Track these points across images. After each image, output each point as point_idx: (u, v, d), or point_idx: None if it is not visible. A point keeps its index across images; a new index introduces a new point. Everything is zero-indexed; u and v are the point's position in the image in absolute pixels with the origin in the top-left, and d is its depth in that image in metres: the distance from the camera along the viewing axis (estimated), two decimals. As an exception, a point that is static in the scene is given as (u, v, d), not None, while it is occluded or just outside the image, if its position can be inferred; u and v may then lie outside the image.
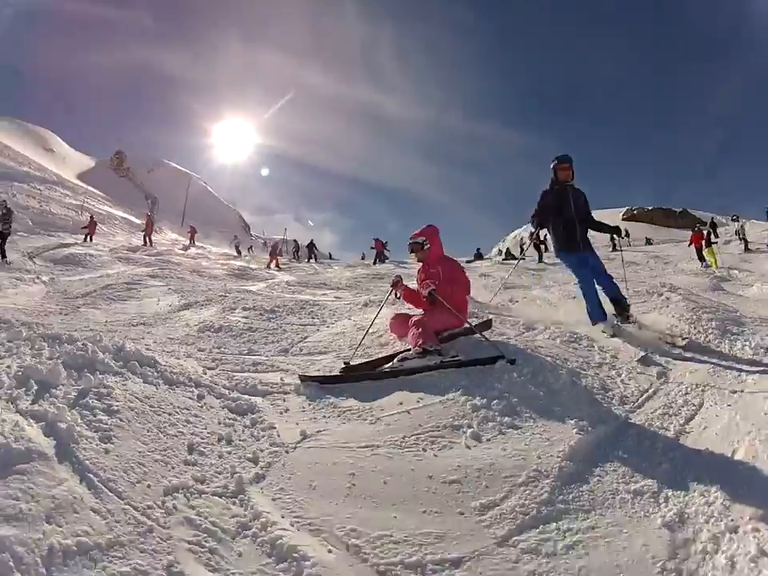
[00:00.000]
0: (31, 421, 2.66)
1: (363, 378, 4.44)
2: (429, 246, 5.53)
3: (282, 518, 2.50)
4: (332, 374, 4.65)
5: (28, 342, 3.82)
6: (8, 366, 3.28)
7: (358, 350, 5.17)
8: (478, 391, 3.83)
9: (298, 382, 4.28)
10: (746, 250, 26.02)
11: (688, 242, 24.69)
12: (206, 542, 2.25)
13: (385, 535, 2.40)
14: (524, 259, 27.43)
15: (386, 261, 28.52)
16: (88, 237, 23.58)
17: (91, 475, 2.42)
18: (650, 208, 54.99)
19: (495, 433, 3.35)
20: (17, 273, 12.01)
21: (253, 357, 5.36)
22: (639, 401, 4.16)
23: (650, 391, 4.37)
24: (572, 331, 6.05)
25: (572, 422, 3.46)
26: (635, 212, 54.63)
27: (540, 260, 24.16)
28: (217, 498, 2.57)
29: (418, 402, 3.76)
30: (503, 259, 30.38)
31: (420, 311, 5.48)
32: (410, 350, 4.81)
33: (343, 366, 4.80)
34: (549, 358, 4.76)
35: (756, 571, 2.20)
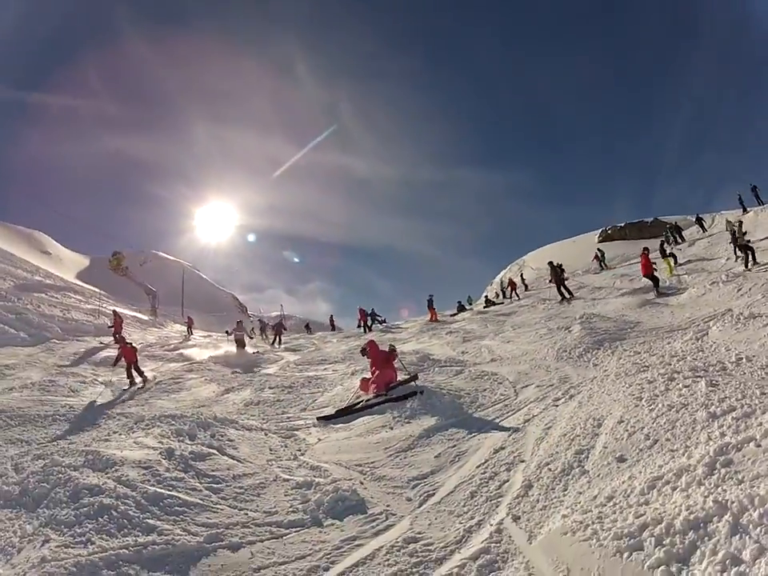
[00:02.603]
0: (201, 446, 6.29)
1: (346, 413, 8.57)
2: (369, 349, 10.02)
3: (314, 460, 6.43)
4: (330, 413, 8.75)
5: (162, 418, 7.51)
6: (165, 430, 7.00)
7: (343, 403, 9.36)
8: (397, 410, 8.06)
9: (316, 421, 8.45)
10: (747, 265, 16.80)
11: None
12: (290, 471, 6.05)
13: (352, 459, 6.42)
14: (503, 303, 29.38)
15: (382, 323, 30.40)
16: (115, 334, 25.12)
17: (235, 458, 6.18)
18: (621, 225, 54.96)
19: (400, 426, 7.51)
20: (75, 377, 12.82)
21: (285, 415, 9.33)
22: (491, 405, 8.24)
23: (501, 400, 8.48)
24: (483, 370, 10.17)
25: (434, 418, 7.59)
26: (609, 231, 55.28)
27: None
28: (290, 461, 6.45)
29: (370, 419, 8.02)
30: (484, 306, 30.93)
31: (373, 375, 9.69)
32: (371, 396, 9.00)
33: (335, 410, 8.95)
34: (446, 390, 9.00)
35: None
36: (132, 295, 45.99)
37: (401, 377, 9.66)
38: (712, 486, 3.67)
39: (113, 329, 21.15)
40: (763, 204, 33.71)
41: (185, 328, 32.30)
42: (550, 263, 23.77)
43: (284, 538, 4.77)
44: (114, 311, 24.42)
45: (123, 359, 13.50)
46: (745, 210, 34.91)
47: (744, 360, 7.01)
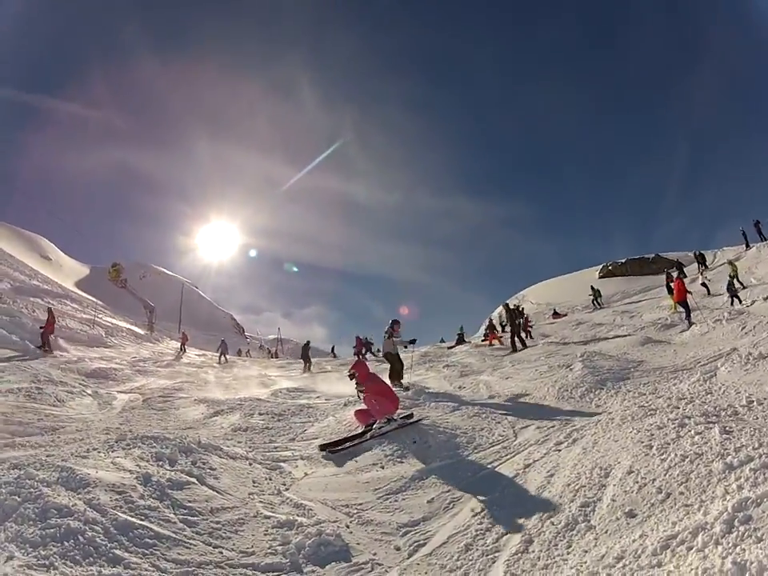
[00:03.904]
0: (180, 473, 5.94)
1: (352, 442, 8.20)
2: (358, 374, 9.24)
3: (298, 496, 6.05)
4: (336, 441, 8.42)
5: (144, 439, 7.11)
6: (145, 452, 6.61)
7: (334, 435, 8.96)
8: (389, 448, 7.82)
9: (303, 453, 7.95)
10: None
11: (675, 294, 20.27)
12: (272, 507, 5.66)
13: (339, 499, 6.05)
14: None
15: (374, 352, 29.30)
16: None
17: (215, 488, 5.84)
18: (622, 261, 55.00)
19: (392, 465, 7.19)
20: (64, 386, 12.69)
21: (273, 444, 8.77)
22: (489, 446, 7.86)
23: (500, 441, 8.07)
24: (481, 407, 9.77)
25: (428, 459, 7.41)
26: (610, 267, 55.30)
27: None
28: (273, 496, 6.05)
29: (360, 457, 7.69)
30: (482, 340, 29.39)
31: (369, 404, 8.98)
32: (373, 423, 8.62)
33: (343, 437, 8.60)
34: (441, 428, 8.62)
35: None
36: (129, 308, 46.29)
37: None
38: (730, 545, 3.44)
39: (43, 329, 19.85)
40: (766, 239, 33.90)
41: (179, 344, 32.33)
42: (506, 305, 23.35)
43: (259, 583, 4.43)
44: (49, 309, 22.89)
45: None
46: (748, 246, 35.29)
47: (755, 403, 6.71)
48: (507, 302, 21.91)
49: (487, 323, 28.87)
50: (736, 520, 3.66)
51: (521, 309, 22.94)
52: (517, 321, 21.59)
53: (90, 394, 12.62)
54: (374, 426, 8.52)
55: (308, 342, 27.06)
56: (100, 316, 33.77)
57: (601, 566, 3.94)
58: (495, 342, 24.26)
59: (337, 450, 7.87)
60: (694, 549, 3.58)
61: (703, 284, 25.03)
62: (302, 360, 26.32)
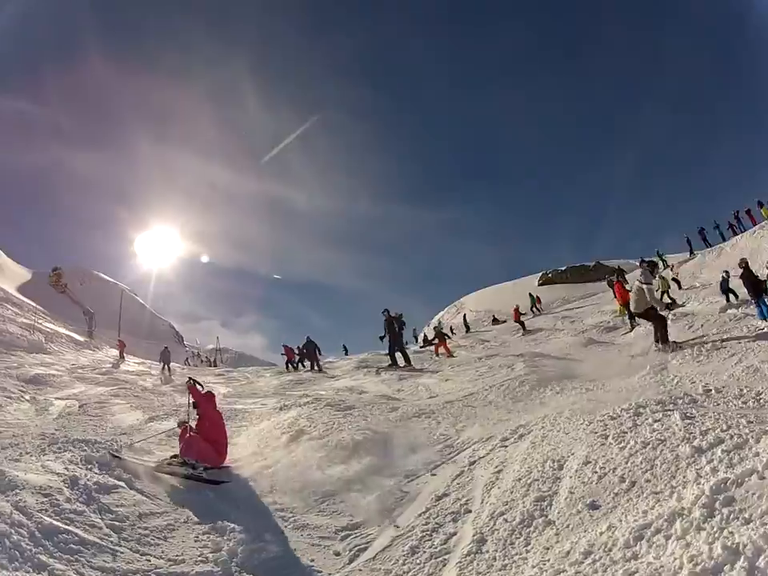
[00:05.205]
0: (108, 476, 5.94)
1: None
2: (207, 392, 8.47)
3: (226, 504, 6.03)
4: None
5: (76, 443, 7.23)
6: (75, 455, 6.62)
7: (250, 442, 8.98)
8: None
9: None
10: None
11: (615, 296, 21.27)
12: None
13: (272, 503, 6.34)
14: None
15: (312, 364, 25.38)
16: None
17: (144, 492, 5.89)
18: (562, 269, 55.96)
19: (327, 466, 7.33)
20: (3, 392, 12.53)
21: None
22: (430, 445, 7.96)
23: (441, 440, 8.13)
24: (421, 409, 10.25)
25: (367, 458, 7.33)
26: (550, 275, 55.83)
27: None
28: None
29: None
30: (421, 346, 30.48)
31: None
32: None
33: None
34: (380, 430, 8.61)
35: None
36: (69, 314, 44.81)
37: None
38: (715, 529, 3.27)
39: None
40: (710, 246, 35.43)
41: (117, 352, 31.78)
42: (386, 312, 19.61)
43: (189, 593, 4.33)
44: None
45: None
46: (692, 253, 36.84)
47: (713, 391, 6.72)
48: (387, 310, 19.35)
49: (433, 330, 28.15)
50: (717, 503, 3.51)
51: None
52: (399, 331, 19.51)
53: (27, 400, 12.43)
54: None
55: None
56: (40, 321, 32.76)
57: (567, 563, 3.71)
58: (442, 350, 21.63)
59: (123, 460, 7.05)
60: (672, 537, 3.42)
61: (674, 279, 25.64)
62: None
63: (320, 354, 24.96)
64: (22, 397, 12.65)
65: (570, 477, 5.05)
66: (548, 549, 4.11)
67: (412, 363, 18.07)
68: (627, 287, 18.05)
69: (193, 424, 7.78)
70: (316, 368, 23.36)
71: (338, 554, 5.02)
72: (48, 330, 31.68)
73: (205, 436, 7.41)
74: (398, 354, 18.23)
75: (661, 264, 36.66)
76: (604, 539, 3.74)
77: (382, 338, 19.22)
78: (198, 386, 8.38)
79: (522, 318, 28.08)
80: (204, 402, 7.89)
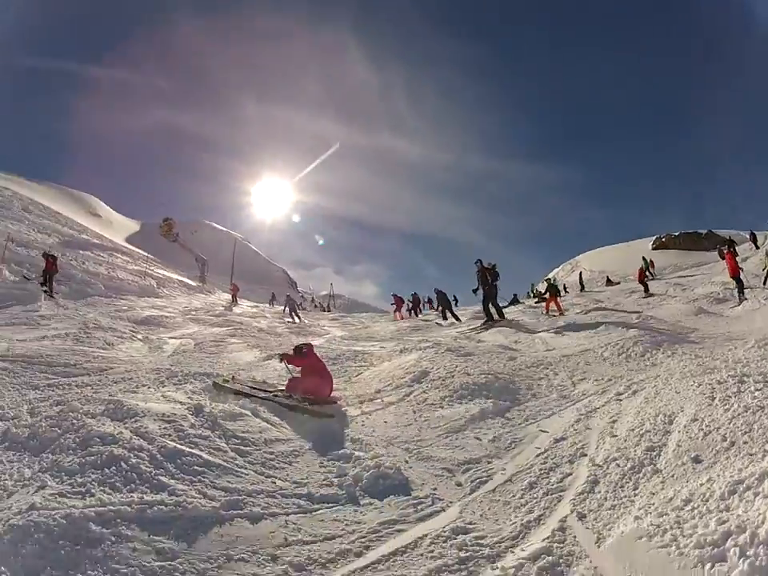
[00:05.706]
0: (233, 405, 5.91)
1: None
2: (306, 350, 8.07)
3: (355, 432, 5.95)
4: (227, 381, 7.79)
5: (197, 375, 7.57)
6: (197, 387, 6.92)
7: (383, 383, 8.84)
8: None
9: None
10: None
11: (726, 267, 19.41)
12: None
13: (398, 436, 6.20)
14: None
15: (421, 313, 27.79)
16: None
17: (269, 421, 5.95)
18: (676, 234, 53.87)
19: (450, 406, 7.41)
20: (114, 332, 12.62)
21: None
22: (548, 393, 7.91)
23: (560, 390, 8.08)
24: (538, 359, 9.98)
25: (489, 401, 7.39)
26: (664, 239, 54.32)
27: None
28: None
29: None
30: (536, 301, 28.96)
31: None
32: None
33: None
34: (500, 376, 8.44)
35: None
36: (181, 261, 46.73)
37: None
38: None
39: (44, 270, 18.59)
40: None
41: (231, 296, 32.61)
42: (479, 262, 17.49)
43: (313, 513, 4.34)
44: (44, 253, 20.17)
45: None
46: None
47: None
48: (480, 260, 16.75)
49: (545, 281, 27.02)
50: (802, 467, 3.74)
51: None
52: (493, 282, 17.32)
53: (140, 339, 12.62)
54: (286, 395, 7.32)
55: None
56: (151, 268, 34.01)
57: (669, 508, 3.91)
58: (553, 305, 20.36)
59: (226, 389, 7.32)
60: (760, 494, 3.59)
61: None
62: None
63: (456, 305, 25.56)
64: (134, 336, 12.83)
65: (679, 431, 5.27)
66: (654, 494, 4.33)
67: (506, 317, 17.18)
68: (738, 260, 17.19)
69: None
70: (450, 317, 21.57)
71: (459, 484, 5.08)
72: (160, 275, 33.08)
73: (308, 373, 7.69)
74: (493, 309, 16.97)
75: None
76: (703, 490, 3.97)
77: (475, 291, 17.46)
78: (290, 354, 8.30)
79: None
80: (301, 360, 7.93)
